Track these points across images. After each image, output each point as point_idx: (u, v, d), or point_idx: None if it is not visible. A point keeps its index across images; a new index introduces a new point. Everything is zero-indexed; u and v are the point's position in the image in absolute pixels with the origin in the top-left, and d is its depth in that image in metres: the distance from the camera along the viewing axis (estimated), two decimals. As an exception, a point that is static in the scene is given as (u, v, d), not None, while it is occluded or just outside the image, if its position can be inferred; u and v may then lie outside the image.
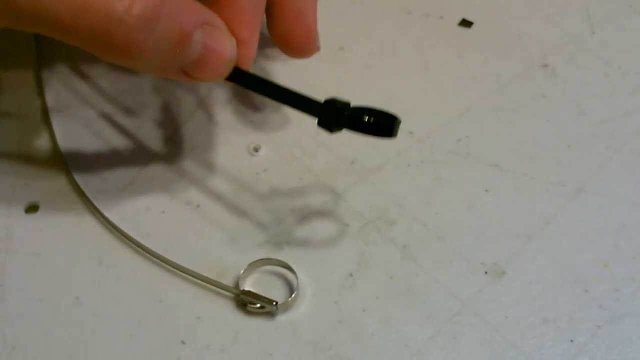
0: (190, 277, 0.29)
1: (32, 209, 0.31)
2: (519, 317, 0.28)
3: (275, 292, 0.29)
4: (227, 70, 0.27)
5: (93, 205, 0.31)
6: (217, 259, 0.30)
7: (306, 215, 0.31)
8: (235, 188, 0.32)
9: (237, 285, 0.28)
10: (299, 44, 0.30)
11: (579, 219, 0.31)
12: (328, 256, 0.30)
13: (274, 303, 0.27)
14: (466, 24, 0.41)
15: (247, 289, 0.28)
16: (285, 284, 0.29)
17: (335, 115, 0.26)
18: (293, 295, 0.28)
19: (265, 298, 0.28)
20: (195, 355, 0.27)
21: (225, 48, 0.27)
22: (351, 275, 0.29)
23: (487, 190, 0.32)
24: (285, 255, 0.30)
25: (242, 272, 0.29)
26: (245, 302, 0.28)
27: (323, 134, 0.34)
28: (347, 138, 0.34)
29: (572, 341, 0.27)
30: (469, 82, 0.37)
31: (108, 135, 0.34)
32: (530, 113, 0.36)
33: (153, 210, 0.31)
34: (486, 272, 0.29)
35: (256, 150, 0.34)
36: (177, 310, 0.28)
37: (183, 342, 0.27)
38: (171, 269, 0.29)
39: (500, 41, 0.40)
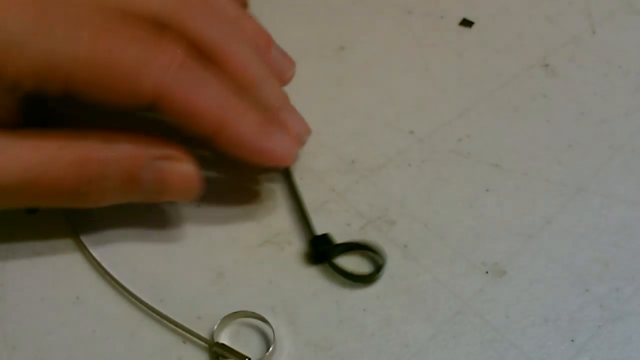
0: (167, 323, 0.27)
1: (32, 209, 0.31)
2: (519, 317, 0.28)
3: (252, 344, 0.27)
4: (190, 193, 0.28)
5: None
6: (216, 261, 0.30)
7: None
8: (235, 187, 0.32)
9: (211, 337, 0.27)
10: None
11: (580, 218, 0.31)
12: (328, 256, 0.30)
13: (247, 358, 0.26)
14: (467, 23, 0.41)
15: (221, 341, 0.26)
16: (262, 337, 0.27)
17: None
18: (270, 350, 0.26)
19: (239, 353, 0.26)
20: (195, 355, 0.27)
21: (177, 178, 0.27)
22: (351, 275, 0.29)
23: (487, 190, 0.32)
24: (285, 254, 0.30)
25: (216, 326, 0.27)
26: (218, 354, 0.26)
27: (323, 133, 0.34)
28: (347, 138, 0.34)
29: (572, 340, 0.27)
30: (469, 81, 0.37)
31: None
32: (530, 112, 0.36)
33: (153, 210, 0.31)
34: (487, 272, 0.29)
35: (256, 149, 0.34)
36: (177, 310, 0.28)
37: (183, 342, 0.27)
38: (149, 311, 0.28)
39: (500, 41, 0.40)
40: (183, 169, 0.28)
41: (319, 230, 0.30)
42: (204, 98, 0.26)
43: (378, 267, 0.29)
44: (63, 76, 0.25)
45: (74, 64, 0.25)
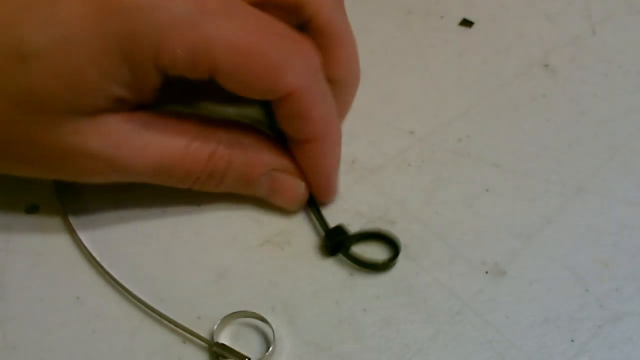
0: (167, 323, 0.28)
1: (32, 209, 0.31)
2: (519, 317, 0.28)
3: (252, 344, 0.27)
4: (296, 205, 0.30)
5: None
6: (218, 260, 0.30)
7: (306, 215, 0.31)
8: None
9: (211, 337, 0.27)
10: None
11: (579, 218, 0.31)
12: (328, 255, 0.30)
13: (247, 358, 0.26)
14: (466, 23, 0.41)
15: (221, 341, 0.27)
16: (262, 337, 0.27)
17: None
18: (269, 350, 0.26)
19: (239, 353, 0.26)
20: (196, 355, 0.27)
21: (289, 191, 0.30)
22: (351, 275, 0.29)
23: (487, 190, 0.32)
24: (285, 254, 0.30)
25: (216, 326, 0.27)
26: (218, 354, 0.26)
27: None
28: (347, 138, 0.34)
29: (572, 340, 0.27)
30: (469, 81, 0.37)
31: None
32: (530, 112, 0.36)
33: (153, 209, 0.31)
34: (486, 272, 0.29)
35: (256, 149, 0.34)
36: (177, 310, 0.28)
37: (183, 342, 0.27)
38: (148, 311, 0.28)
39: (500, 41, 0.40)
40: (295, 183, 0.30)
41: (320, 230, 0.30)
42: (324, 109, 0.28)
43: (394, 254, 0.29)
44: (213, 62, 0.25)
45: (227, 51, 0.25)
